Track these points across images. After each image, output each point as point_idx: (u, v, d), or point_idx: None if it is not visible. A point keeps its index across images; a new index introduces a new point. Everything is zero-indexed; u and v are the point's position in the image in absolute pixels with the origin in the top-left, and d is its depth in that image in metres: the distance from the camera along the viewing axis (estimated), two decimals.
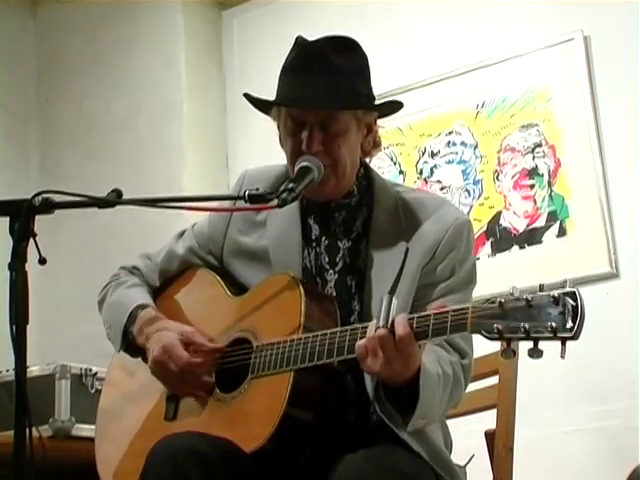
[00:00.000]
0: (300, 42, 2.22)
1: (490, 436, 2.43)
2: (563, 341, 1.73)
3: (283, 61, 2.23)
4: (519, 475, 2.44)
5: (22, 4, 4.72)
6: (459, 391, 2.14)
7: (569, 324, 1.72)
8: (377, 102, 2.26)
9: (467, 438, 2.39)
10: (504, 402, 2.44)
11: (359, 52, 2.23)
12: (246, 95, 2.25)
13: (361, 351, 1.93)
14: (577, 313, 1.72)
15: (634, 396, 3.38)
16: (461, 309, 1.87)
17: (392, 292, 2.11)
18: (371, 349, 1.91)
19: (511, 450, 2.41)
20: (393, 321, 1.90)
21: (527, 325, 1.75)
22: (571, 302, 1.73)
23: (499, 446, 2.41)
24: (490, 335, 1.80)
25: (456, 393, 2.12)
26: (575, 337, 1.72)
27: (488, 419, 2.47)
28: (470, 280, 2.23)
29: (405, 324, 1.89)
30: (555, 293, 1.75)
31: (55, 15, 4.71)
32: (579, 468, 3.43)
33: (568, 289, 1.75)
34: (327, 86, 2.14)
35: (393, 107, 2.26)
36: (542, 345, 1.75)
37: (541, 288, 1.78)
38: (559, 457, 3.46)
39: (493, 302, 1.81)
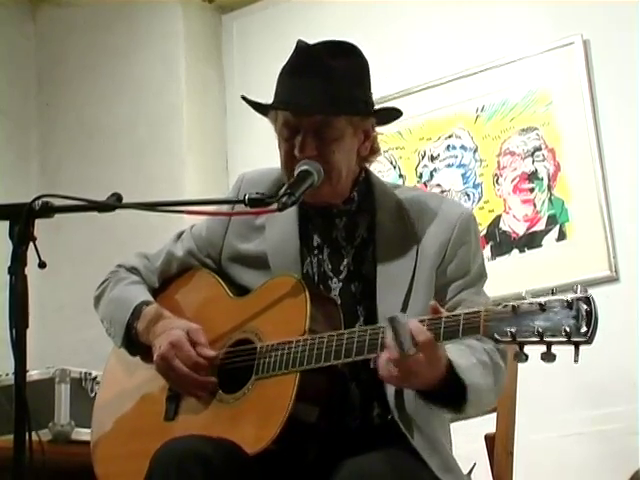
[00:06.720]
0: (299, 46, 2.20)
1: (490, 440, 2.42)
2: (577, 345, 1.73)
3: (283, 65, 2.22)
4: (519, 479, 2.43)
5: (22, 8, 4.72)
6: (501, 375, 2.11)
7: (583, 328, 1.73)
8: (376, 107, 2.23)
9: (467, 442, 2.39)
10: (504, 406, 2.43)
11: (358, 57, 2.20)
12: (244, 97, 2.24)
13: (391, 380, 1.93)
14: (591, 318, 1.73)
15: (634, 400, 3.38)
16: (474, 312, 1.87)
17: (407, 297, 2.12)
18: (404, 375, 1.89)
19: (511, 454, 2.41)
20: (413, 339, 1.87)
21: (540, 329, 1.75)
22: (585, 307, 1.74)
23: (499, 450, 2.40)
24: (502, 338, 1.81)
25: (499, 378, 2.10)
26: (589, 342, 1.73)
27: (488, 423, 2.47)
28: (482, 274, 2.23)
29: (424, 330, 1.88)
30: (569, 298, 1.76)
31: (55, 19, 4.71)
32: (579, 472, 3.43)
33: (582, 294, 1.76)
34: (322, 91, 2.12)
35: (391, 114, 2.24)
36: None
37: (553, 292, 1.78)
38: (559, 461, 3.46)
39: (506, 306, 1.81)
